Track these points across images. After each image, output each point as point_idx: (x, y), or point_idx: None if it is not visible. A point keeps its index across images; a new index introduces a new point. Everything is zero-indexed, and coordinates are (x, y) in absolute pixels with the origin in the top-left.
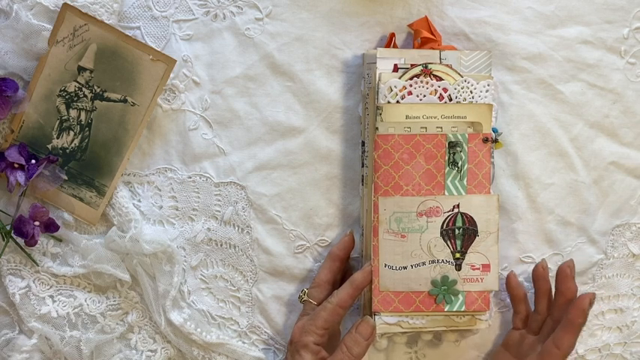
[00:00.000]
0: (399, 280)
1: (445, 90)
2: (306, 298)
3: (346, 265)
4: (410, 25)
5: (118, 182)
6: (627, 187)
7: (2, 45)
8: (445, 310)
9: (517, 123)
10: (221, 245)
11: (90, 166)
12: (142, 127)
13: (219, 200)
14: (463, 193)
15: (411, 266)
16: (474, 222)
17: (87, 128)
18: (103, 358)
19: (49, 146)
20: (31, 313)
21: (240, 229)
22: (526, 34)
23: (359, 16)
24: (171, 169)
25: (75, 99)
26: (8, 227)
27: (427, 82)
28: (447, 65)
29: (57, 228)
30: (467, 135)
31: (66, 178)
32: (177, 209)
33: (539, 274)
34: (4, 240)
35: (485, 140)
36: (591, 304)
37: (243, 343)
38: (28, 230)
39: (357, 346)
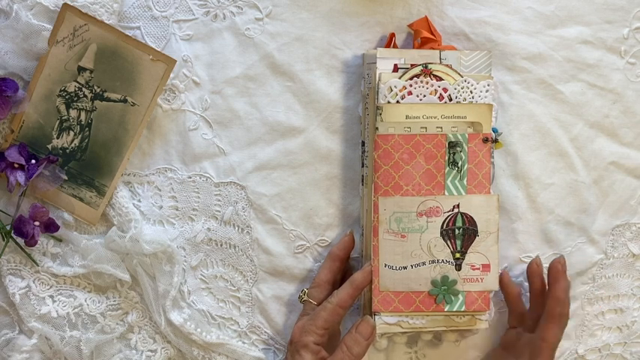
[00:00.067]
0: (399, 280)
1: (445, 90)
2: (306, 298)
3: (346, 265)
4: (410, 25)
5: (118, 182)
6: (627, 187)
7: (2, 45)
8: (445, 310)
9: (517, 123)
10: (221, 245)
11: (90, 166)
12: (142, 127)
13: (219, 200)
14: (463, 193)
15: (411, 266)
16: (474, 222)
17: (87, 128)
18: (103, 358)
19: (49, 146)
20: (31, 313)
21: (240, 229)
22: (526, 34)
23: (359, 16)
24: (171, 169)
25: (75, 99)
26: (8, 227)
27: (427, 82)
28: (447, 65)
29: (57, 228)
30: (467, 135)
31: (66, 178)
32: (177, 209)
33: (533, 271)
34: (4, 240)
35: (485, 140)
36: (563, 268)
37: (243, 343)
38: (28, 230)
39: (357, 345)
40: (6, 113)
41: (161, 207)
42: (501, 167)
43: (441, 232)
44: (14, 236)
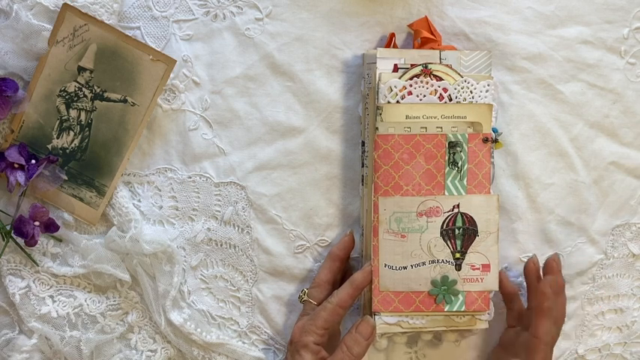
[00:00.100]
0: (399, 280)
1: (445, 90)
2: (306, 298)
3: (346, 265)
4: (410, 25)
5: (118, 182)
6: (627, 187)
7: (2, 45)
8: (445, 310)
9: (517, 123)
10: (221, 245)
11: (90, 166)
12: (142, 127)
13: (219, 200)
14: (463, 193)
15: (411, 266)
16: (474, 222)
17: (87, 128)
18: (103, 358)
19: (49, 146)
20: (31, 313)
21: (240, 229)
22: (526, 34)
23: (359, 16)
24: (171, 169)
25: (75, 99)
26: (8, 227)
27: (427, 82)
28: (447, 65)
29: (57, 228)
30: (467, 135)
31: (66, 178)
32: (177, 209)
33: (530, 269)
34: (4, 240)
35: (485, 140)
36: (558, 266)
37: (243, 343)
38: (28, 230)
39: (357, 345)
40: (6, 113)
41: (161, 207)
42: (501, 167)
43: (441, 232)
44: (14, 236)
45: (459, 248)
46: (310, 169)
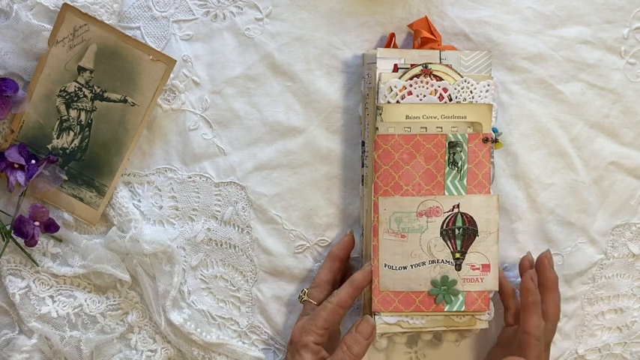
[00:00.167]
0: (399, 280)
1: (445, 90)
2: (306, 298)
3: (346, 265)
4: (410, 25)
5: (118, 182)
6: (627, 187)
7: (2, 45)
8: (445, 310)
9: (517, 123)
10: (221, 245)
11: (90, 166)
12: (142, 127)
13: (219, 200)
14: (463, 193)
15: (411, 266)
16: (474, 222)
17: (87, 128)
18: (103, 358)
19: (49, 146)
20: (31, 313)
21: (240, 229)
22: (526, 34)
23: (359, 16)
24: (171, 169)
25: (75, 99)
26: (8, 227)
27: (427, 82)
28: (447, 65)
29: (57, 228)
30: (467, 135)
31: (66, 178)
32: (177, 209)
33: (524, 267)
34: (4, 240)
35: (486, 140)
36: (550, 263)
37: (243, 343)
38: (28, 230)
39: (357, 345)
40: (6, 113)
41: (161, 207)
42: (501, 167)
43: (441, 232)
44: (14, 236)
45: (458, 248)
46: (310, 169)
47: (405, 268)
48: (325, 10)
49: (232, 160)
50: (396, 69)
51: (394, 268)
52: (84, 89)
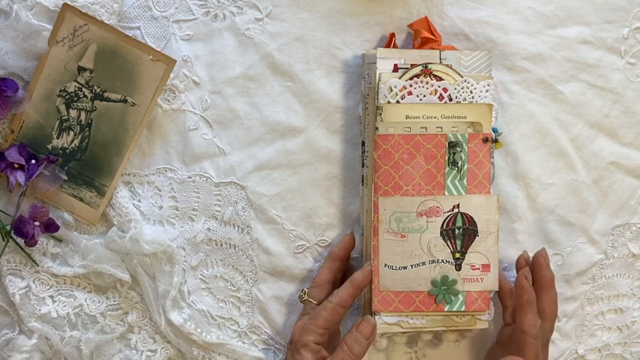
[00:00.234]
0: (399, 280)
1: (445, 90)
2: (306, 297)
3: (346, 265)
4: (410, 25)
5: (118, 182)
6: (627, 187)
7: (2, 45)
8: (445, 310)
9: (517, 123)
10: (221, 245)
11: (90, 166)
12: (142, 127)
13: (219, 200)
14: (463, 193)
15: (411, 266)
16: (474, 222)
17: (87, 128)
18: (103, 358)
19: (49, 146)
20: (31, 313)
21: (240, 229)
22: (526, 34)
23: (359, 16)
24: (171, 169)
25: (75, 99)
26: (8, 227)
27: (427, 82)
28: (447, 65)
29: (57, 228)
30: (467, 135)
31: (66, 178)
32: (177, 209)
33: (521, 266)
34: (4, 240)
35: (485, 140)
36: (545, 261)
37: (243, 343)
38: (28, 230)
39: (357, 345)
40: (6, 113)
41: (161, 207)
42: (501, 167)
43: (441, 232)
44: (14, 236)
45: (458, 248)
46: (310, 169)
47: (405, 268)
48: (325, 10)
49: (232, 160)
50: (396, 69)
51: (394, 268)
52: (84, 89)
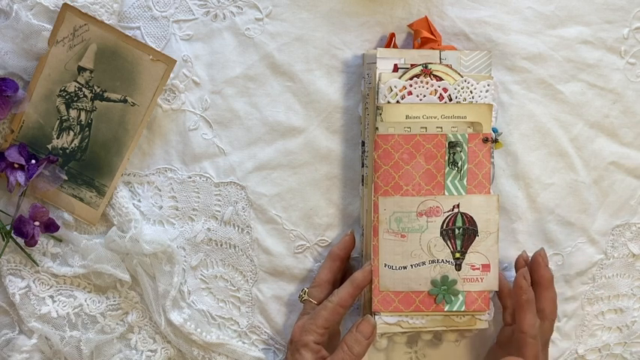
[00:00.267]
0: (398, 280)
1: (445, 90)
2: (306, 297)
3: (346, 265)
4: (410, 25)
5: (118, 182)
6: (627, 187)
7: (2, 45)
8: (445, 310)
9: (517, 123)
10: (221, 245)
11: (90, 166)
12: (142, 127)
13: (219, 200)
14: (463, 193)
15: (411, 266)
16: (474, 222)
17: (87, 128)
18: (103, 358)
19: (49, 146)
20: (31, 313)
21: (240, 229)
22: (526, 34)
23: (359, 16)
24: (171, 169)
25: (75, 99)
26: (8, 227)
27: (427, 82)
28: (447, 65)
29: (57, 228)
30: (467, 135)
31: (66, 178)
32: (177, 209)
33: (520, 266)
34: (4, 240)
35: (485, 140)
36: (544, 261)
37: (243, 343)
38: (28, 230)
39: (357, 345)
40: (6, 113)
41: (161, 207)
42: (501, 167)
43: (441, 232)
44: (14, 236)
45: (458, 248)
46: (310, 169)
47: (405, 268)
48: (325, 10)
49: (232, 160)
50: (396, 69)
51: (394, 268)
52: (84, 89)
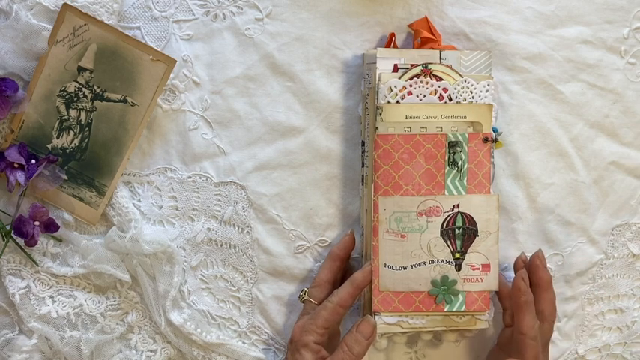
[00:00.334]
0: (399, 280)
1: (445, 90)
2: (306, 297)
3: (346, 265)
4: (410, 25)
5: (118, 182)
6: (627, 187)
7: (2, 45)
8: (445, 310)
9: (517, 123)
10: (221, 245)
11: (90, 166)
12: (142, 127)
13: (219, 200)
14: (463, 193)
15: (411, 266)
16: (474, 222)
17: (87, 128)
18: (103, 358)
19: (49, 146)
20: (31, 313)
21: (240, 229)
22: (526, 34)
23: (359, 16)
24: (171, 169)
25: (75, 99)
26: (8, 227)
27: (427, 82)
28: (447, 65)
29: (57, 228)
30: (467, 135)
31: (66, 178)
32: (177, 209)
33: (519, 267)
34: (4, 240)
35: (485, 140)
36: (542, 262)
37: (243, 343)
38: (28, 230)
39: (357, 345)
40: (6, 113)
41: (161, 207)
42: (501, 167)
43: (441, 232)
44: (14, 236)
45: (459, 248)
46: (310, 169)
47: (405, 268)
48: (325, 10)
49: (232, 160)
50: (396, 69)
51: (394, 268)
52: (84, 89)
